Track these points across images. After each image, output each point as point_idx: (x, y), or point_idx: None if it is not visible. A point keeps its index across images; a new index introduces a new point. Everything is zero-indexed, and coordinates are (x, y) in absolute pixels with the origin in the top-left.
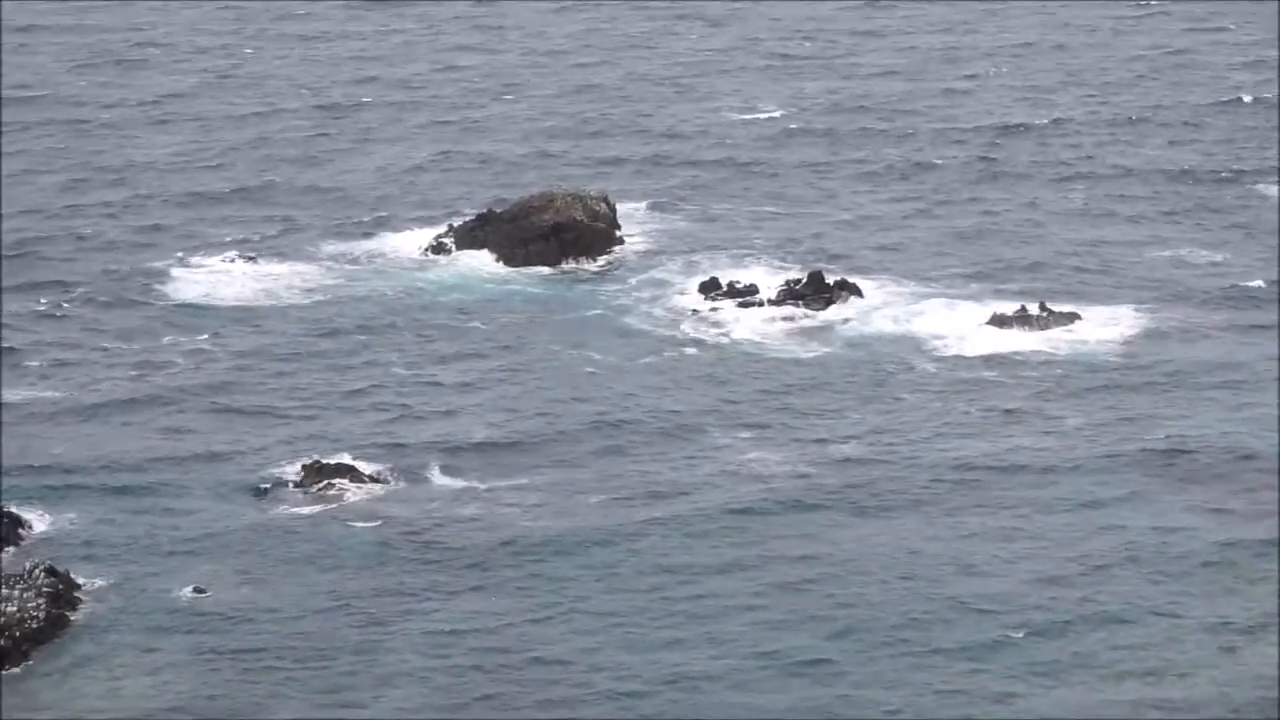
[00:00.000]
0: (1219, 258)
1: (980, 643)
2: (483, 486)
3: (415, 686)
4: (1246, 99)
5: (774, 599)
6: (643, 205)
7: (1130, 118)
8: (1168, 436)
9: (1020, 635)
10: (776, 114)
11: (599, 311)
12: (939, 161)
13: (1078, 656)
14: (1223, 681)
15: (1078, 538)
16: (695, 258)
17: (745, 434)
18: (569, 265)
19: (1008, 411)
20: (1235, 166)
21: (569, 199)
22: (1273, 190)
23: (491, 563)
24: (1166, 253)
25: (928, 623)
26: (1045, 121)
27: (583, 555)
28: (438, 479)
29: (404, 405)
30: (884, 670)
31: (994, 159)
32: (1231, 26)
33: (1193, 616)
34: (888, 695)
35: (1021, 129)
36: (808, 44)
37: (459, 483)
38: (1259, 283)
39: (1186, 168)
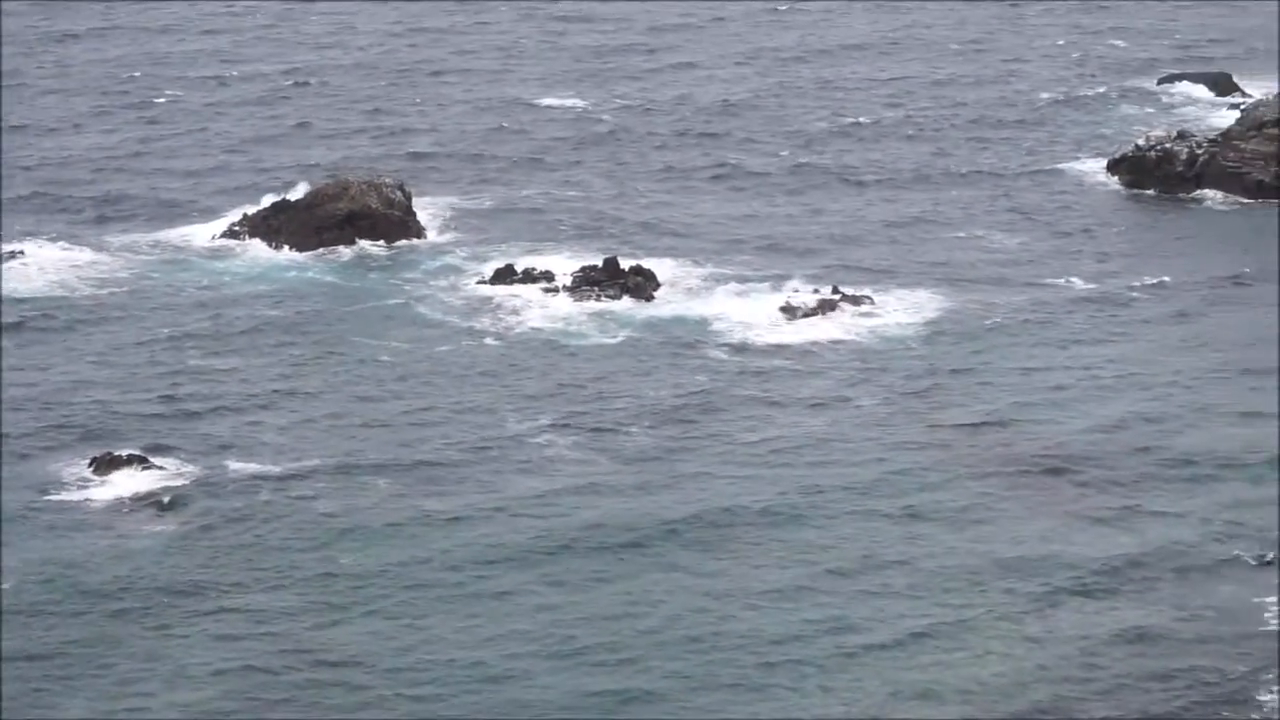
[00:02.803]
0: (1015, 242)
1: (781, 667)
2: (279, 481)
3: (204, 686)
4: (1049, 96)
5: (574, 596)
6: (439, 193)
7: (942, 114)
8: (977, 427)
9: (820, 657)
10: (580, 104)
11: (395, 300)
12: (739, 155)
13: (887, 677)
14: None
15: (883, 543)
16: (492, 245)
17: (544, 423)
18: (365, 253)
19: (809, 404)
20: (1040, 161)
21: (364, 187)
22: (1075, 174)
23: (288, 559)
24: (968, 237)
25: (721, 645)
26: (860, 119)
27: (382, 552)
28: (233, 473)
29: (201, 398)
30: (678, 694)
31: (796, 154)
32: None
33: (999, 635)
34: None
35: (828, 126)
36: (619, 36)
37: (255, 478)
38: (1063, 271)
39: (990, 161)
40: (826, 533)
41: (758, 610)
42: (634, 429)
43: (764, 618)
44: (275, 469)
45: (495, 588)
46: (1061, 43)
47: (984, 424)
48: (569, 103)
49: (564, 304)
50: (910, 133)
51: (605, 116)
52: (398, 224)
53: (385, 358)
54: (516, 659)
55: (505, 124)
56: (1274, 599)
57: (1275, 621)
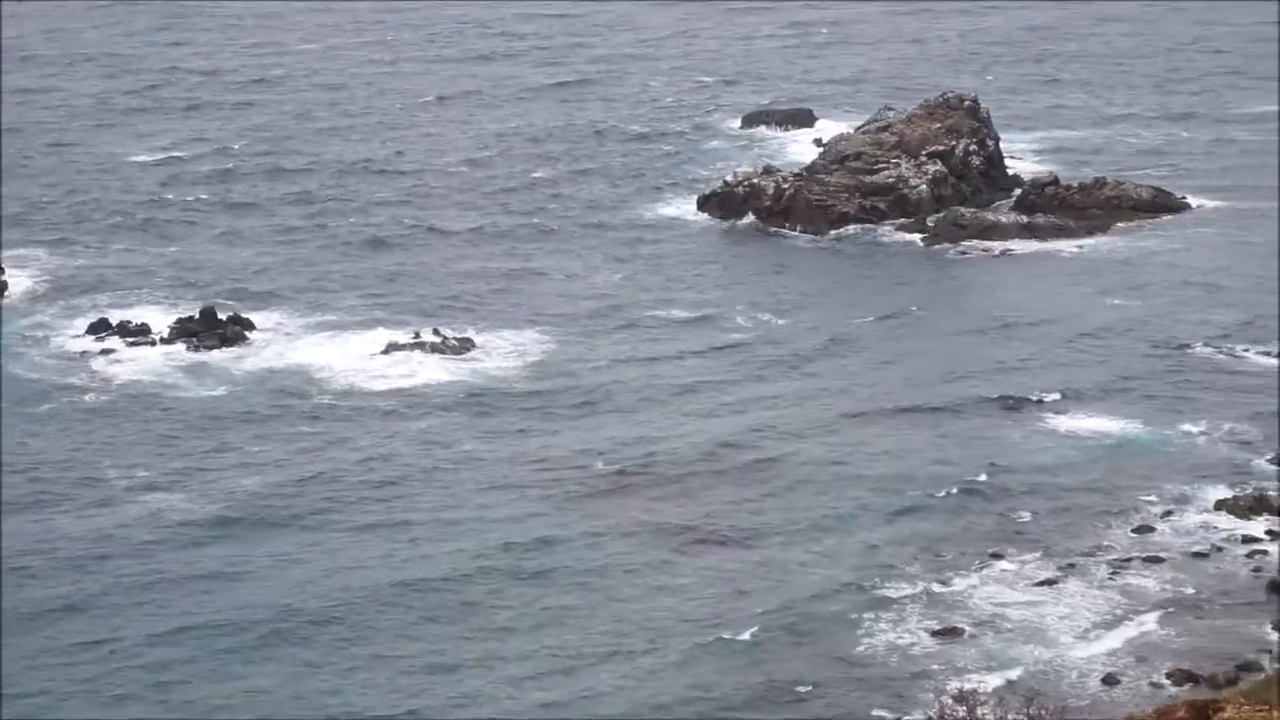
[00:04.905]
0: (616, 282)
1: None
2: None
3: None
4: (640, 137)
5: (185, 683)
6: (27, 248)
7: (539, 161)
8: (593, 476)
9: None
10: (176, 155)
11: None
12: (336, 206)
13: None
14: None
15: (506, 605)
16: (84, 299)
17: (144, 477)
18: None
19: (421, 454)
20: (632, 203)
21: None
22: (667, 213)
23: None
24: (568, 280)
25: None
26: (453, 168)
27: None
28: None
29: None
30: None
31: (390, 205)
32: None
33: (625, 697)
34: None
35: (423, 174)
36: (210, 90)
37: None
38: (666, 311)
39: (586, 203)
40: (448, 599)
41: (375, 688)
42: (246, 487)
43: (384, 694)
44: None
45: (96, 675)
46: (652, 83)
47: (601, 472)
48: (159, 156)
49: (162, 356)
50: (507, 183)
51: (201, 169)
52: None
53: None
54: None
55: (96, 179)
56: (900, 637)
57: (894, 659)
